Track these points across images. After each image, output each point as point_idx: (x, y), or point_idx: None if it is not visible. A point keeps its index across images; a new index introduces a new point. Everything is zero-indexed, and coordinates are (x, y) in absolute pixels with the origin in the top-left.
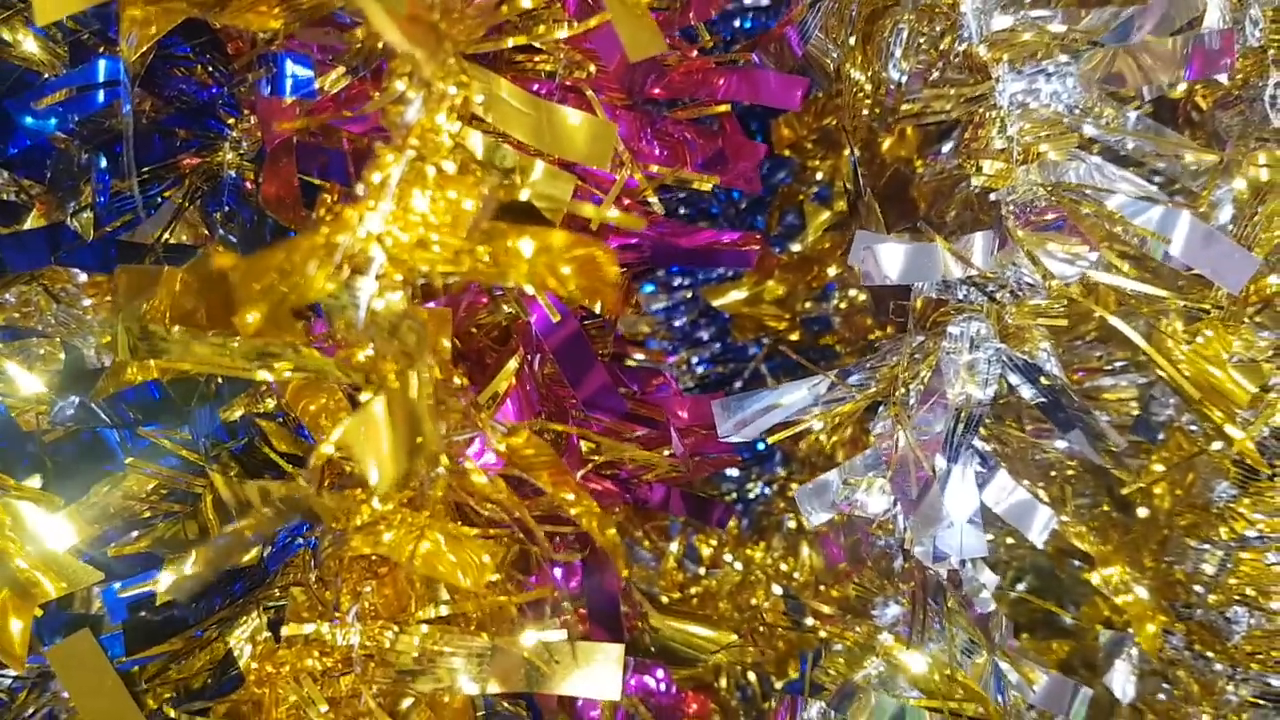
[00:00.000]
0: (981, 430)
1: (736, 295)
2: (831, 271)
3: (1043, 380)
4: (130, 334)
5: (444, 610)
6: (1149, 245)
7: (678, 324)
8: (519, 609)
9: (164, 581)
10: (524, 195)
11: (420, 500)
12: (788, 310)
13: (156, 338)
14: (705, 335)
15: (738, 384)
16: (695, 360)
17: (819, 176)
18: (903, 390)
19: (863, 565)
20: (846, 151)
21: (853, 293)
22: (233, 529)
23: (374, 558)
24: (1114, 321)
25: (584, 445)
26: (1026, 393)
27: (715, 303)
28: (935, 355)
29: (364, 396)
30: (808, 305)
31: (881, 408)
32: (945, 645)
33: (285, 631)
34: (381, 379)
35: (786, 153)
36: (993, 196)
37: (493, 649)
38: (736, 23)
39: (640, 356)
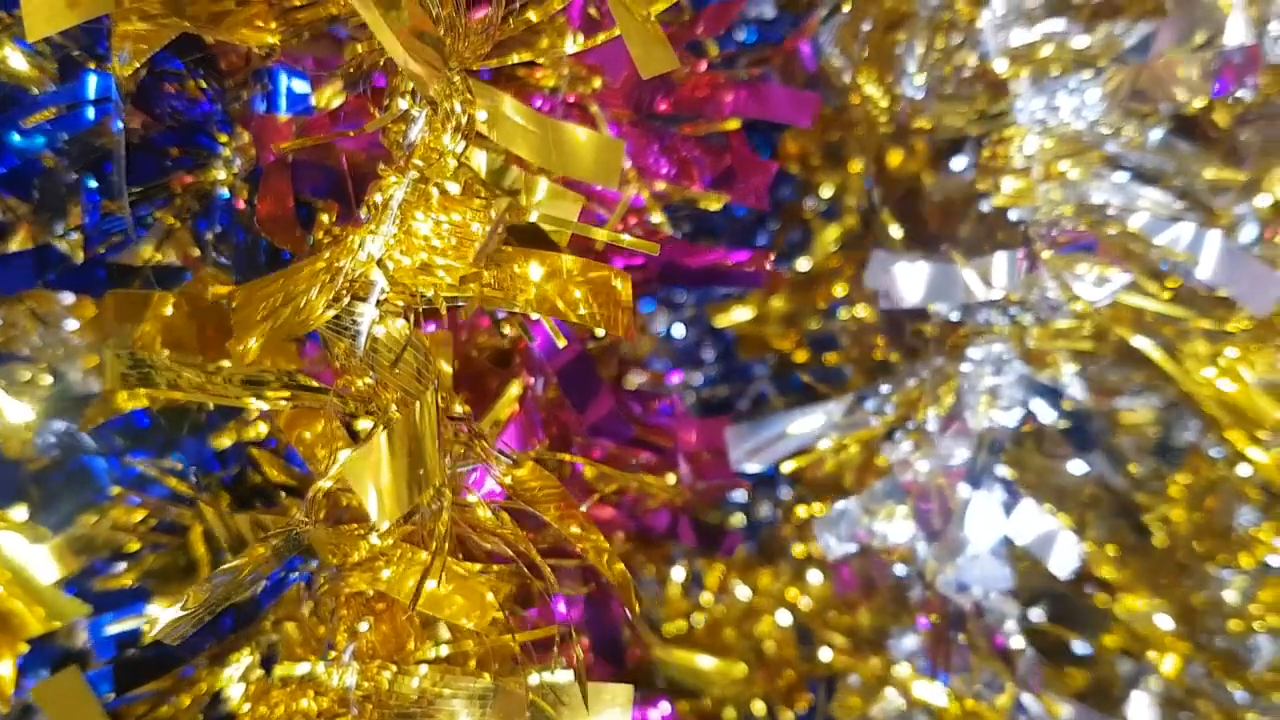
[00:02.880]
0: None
1: (741, 314)
2: (839, 290)
3: (1065, 404)
4: (118, 361)
5: (444, 649)
6: (1171, 265)
7: (679, 343)
8: (522, 647)
9: (159, 622)
10: (531, 217)
11: (421, 536)
12: (793, 329)
13: (145, 365)
14: (708, 355)
15: (741, 404)
16: (698, 380)
17: (825, 193)
18: (922, 415)
19: (875, 594)
20: (856, 167)
21: (860, 312)
22: (229, 567)
23: (371, 594)
24: (1139, 344)
25: (588, 471)
26: (1047, 417)
27: (719, 322)
28: (955, 380)
29: (362, 424)
30: (814, 325)
31: (898, 433)
32: (967, 678)
33: (278, 671)
34: (383, 408)
35: (793, 168)
36: (1014, 215)
37: (495, 690)
38: (740, 36)
39: (641, 378)
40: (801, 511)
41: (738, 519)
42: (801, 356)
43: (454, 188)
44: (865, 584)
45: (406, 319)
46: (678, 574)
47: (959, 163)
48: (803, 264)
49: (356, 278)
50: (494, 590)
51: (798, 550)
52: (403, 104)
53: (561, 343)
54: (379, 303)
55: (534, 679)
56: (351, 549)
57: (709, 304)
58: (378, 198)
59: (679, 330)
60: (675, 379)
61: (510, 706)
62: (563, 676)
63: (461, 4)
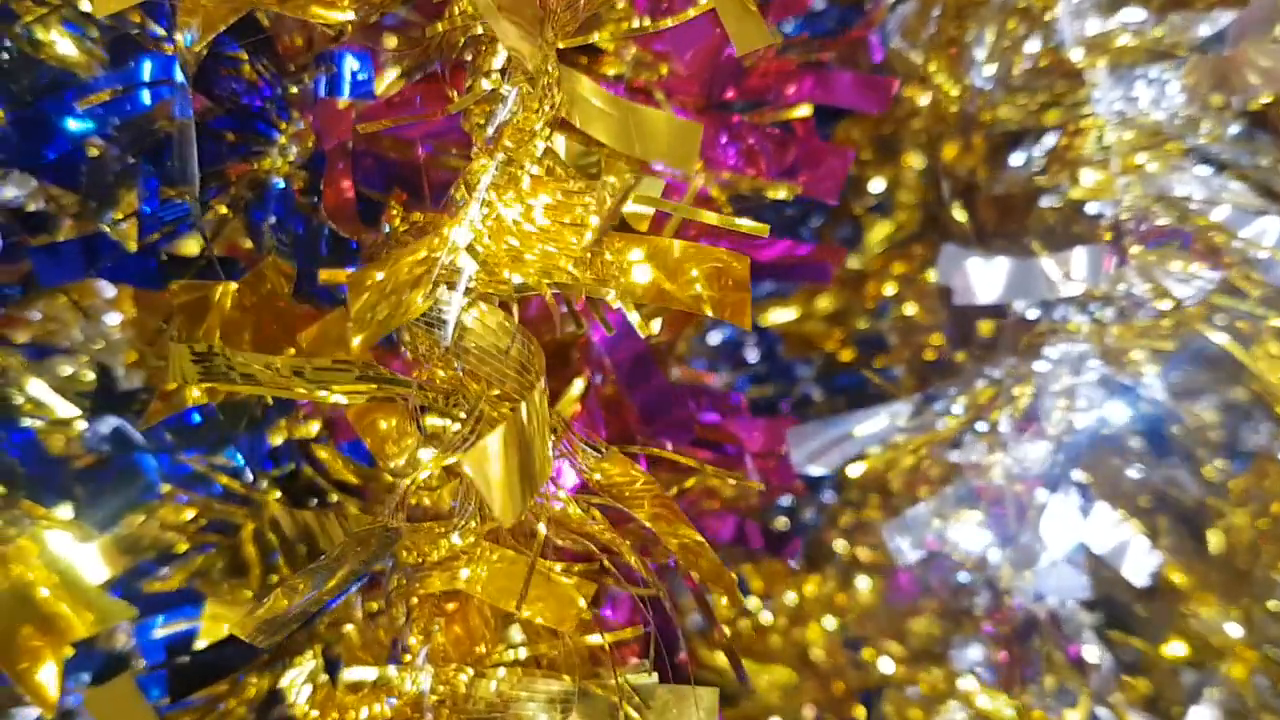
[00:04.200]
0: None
1: (786, 313)
2: (889, 288)
3: (1142, 406)
4: (183, 356)
5: (521, 651)
6: (1249, 261)
7: (723, 341)
8: (603, 649)
9: (248, 623)
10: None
11: (498, 533)
12: (840, 327)
13: (213, 358)
14: (751, 354)
15: (784, 405)
16: (740, 380)
17: (875, 187)
18: (996, 417)
19: (935, 601)
20: (910, 161)
21: (909, 311)
22: (320, 566)
23: (440, 594)
24: (1219, 340)
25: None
26: (1123, 419)
27: (764, 321)
28: (1030, 381)
29: (432, 420)
30: (862, 324)
31: (967, 435)
32: (1036, 690)
33: (346, 676)
34: (472, 400)
35: None
36: (1093, 209)
37: (577, 693)
38: (787, 28)
39: (678, 373)
40: (848, 516)
41: (781, 522)
42: (848, 356)
43: (535, 170)
44: (924, 591)
45: (507, 309)
46: None
47: (1018, 158)
48: (853, 261)
49: (446, 266)
50: (583, 592)
51: (845, 554)
52: (486, 84)
53: (645, 332)
54: (466, 290)
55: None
56: (431, 548)
57: (756, 302)
58: (468, 181)
59: (720, 327)
60: (718, 379)
61: (594, 710)
62: (647, 678)
63: None
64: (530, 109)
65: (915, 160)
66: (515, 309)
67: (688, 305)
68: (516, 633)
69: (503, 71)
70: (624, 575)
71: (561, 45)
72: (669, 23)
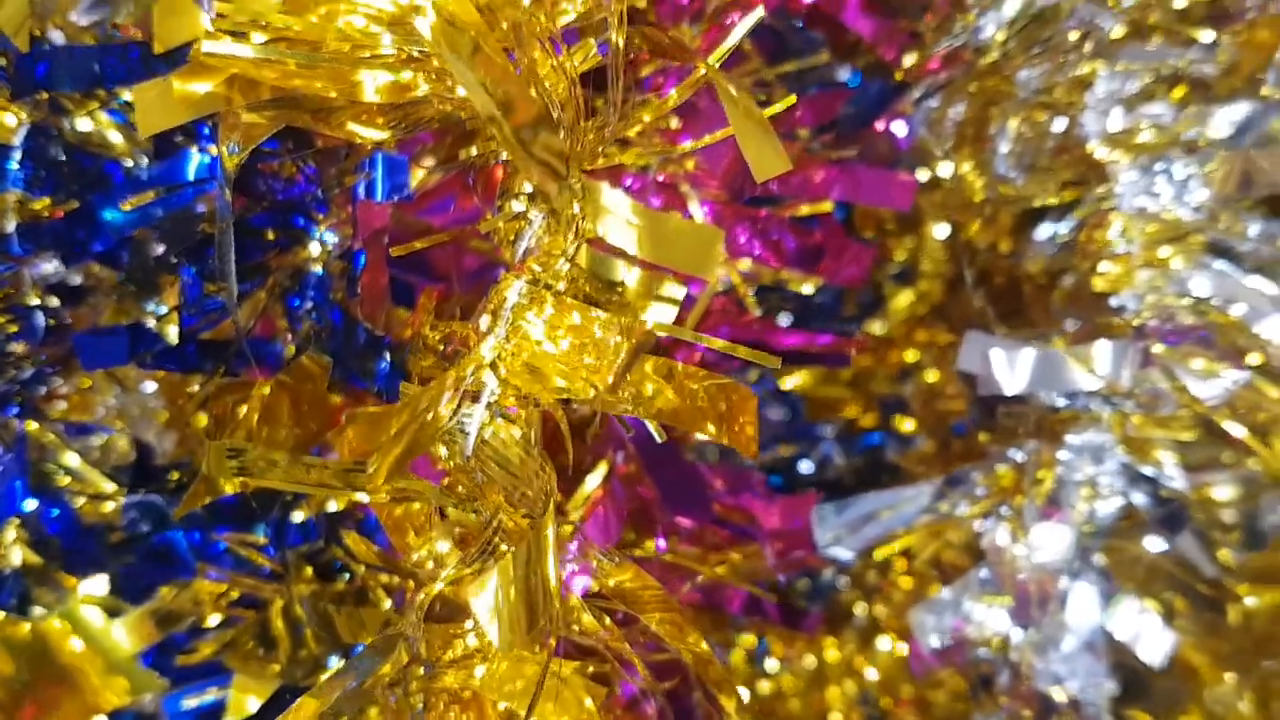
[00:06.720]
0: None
1: (807, 377)
2: (910, 356)
3: (1162, 494)
4: (219, 453)
5: None
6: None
7: None
8: None
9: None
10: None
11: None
12: (861, 392)
13: (249, 457)
14: (770, 416)
15: (802, 466)
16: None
17: (898, 257)
18: (1020, 501)
19: (955, 676)
20: (934, 230)
21: (930, 379)
22: (344, 669)
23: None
24: (1232, 430)
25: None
26: (1143, 505)
27: (784, 384)
28: (1052, 466)
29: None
30: (883, 389)
31: (990, 519)
32: None
33: None
34: (491, 511)
35: (866, 233)
36: (1117, 302)
37: None
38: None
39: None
40: (872, 575)
41: (803, 583)
42: (870, 421)
43: (561, 287)
44: (945, 664)
45: (525, 430)
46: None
47: (1043, 231)
48: (876, 328)
49: (470, 380)
50: (592, 695)
51: (860, 614)
52: (516, 205)
53: (662, 438)
54: (488, 405)
55: None
56: (446, 647)
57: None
58: (493, 300)
59: None
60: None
61: None
62: None
63: (582, 110)
64: (556, 234)
65: (938, 230)
66: (536, 428)
67: (699, 428)
68: None
69: (531, 195)
70: (632, 673)
71: (588, 168)
72: (692, 145)
